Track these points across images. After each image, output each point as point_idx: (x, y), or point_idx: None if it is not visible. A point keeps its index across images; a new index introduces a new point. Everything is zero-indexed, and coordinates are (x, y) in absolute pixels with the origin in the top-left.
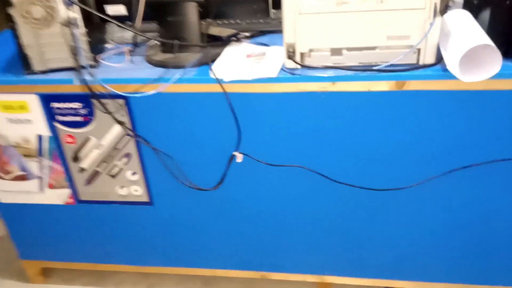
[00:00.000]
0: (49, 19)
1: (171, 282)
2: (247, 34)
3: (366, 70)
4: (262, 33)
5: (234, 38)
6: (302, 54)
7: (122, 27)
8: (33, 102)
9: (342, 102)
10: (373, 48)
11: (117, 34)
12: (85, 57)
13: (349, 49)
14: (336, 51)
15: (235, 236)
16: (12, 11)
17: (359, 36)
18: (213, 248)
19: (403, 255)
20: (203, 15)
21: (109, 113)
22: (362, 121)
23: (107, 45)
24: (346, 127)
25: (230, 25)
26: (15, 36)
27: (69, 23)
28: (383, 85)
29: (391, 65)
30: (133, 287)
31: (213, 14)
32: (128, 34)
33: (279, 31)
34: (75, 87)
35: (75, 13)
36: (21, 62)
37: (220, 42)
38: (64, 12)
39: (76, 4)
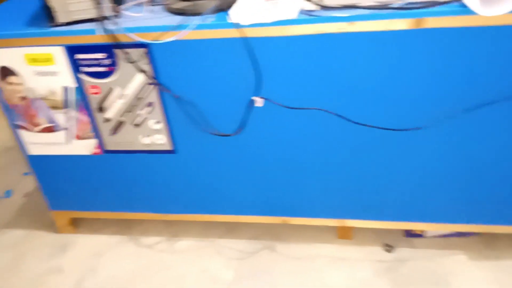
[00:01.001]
0: None
1: (195, 230)
2: None
3: (383, 9)
4: None
5: None
6: None
7: None
8: (58, 54)
9: (360, 42)
10: None
11: None
12: (107, 7)
13: None
14: None
15: (256, 182)
16: None
17: None
18: (235, 194)
19: (421, 196)
20: None
21: (132, 62)
22: (380, 61)
23: None
24: (364, 68)
25: None
26: None
27: None
28: (401, 23)
29: (409, 3)
30: (158, 235)
31: None
32: None
33: None
34: (98, 38)
35: None
36: (46, 15)
37: None
38: None
39: None
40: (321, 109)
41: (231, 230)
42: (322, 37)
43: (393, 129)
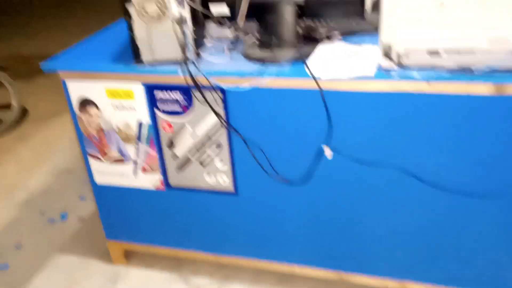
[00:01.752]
0: (162, 16)
1: (246, 275)
2: (339, 33)
3: (464, 72)
4: (354, 33)
5: (327, 37)
6: (398, 54)
7: (225, 25)
8: (139, 91)
9: (438, 103)
10: (473, 50)
11: (216, 30)
12: (190, 51)
13: (447, 51)
14: (433, 52)
15: (315, 232)
16: (129, 7)
17: (458, 38)
18: (293, 241)
19: (494, 265)
20: (299, 15)
21: (208, 103)
22: (458, 124)
23: (207, 40)
24: (440, 129)
25: (324, 25)
26: (130, 29)
27: (179, 20)
28: (482, 88)
29: (491, 68)
30: (209, 276)
31: (308, 14)
32: (227, 31)
33: (371, 32)
34: (178, 78)
35: (185, 11)
36: (132, 53)
37: (315, 40)
38: (176, 10)
39: (187, 3)
40: (392, 167)
41: (283, 280)
42: (399, 95)
43: (466, 195)
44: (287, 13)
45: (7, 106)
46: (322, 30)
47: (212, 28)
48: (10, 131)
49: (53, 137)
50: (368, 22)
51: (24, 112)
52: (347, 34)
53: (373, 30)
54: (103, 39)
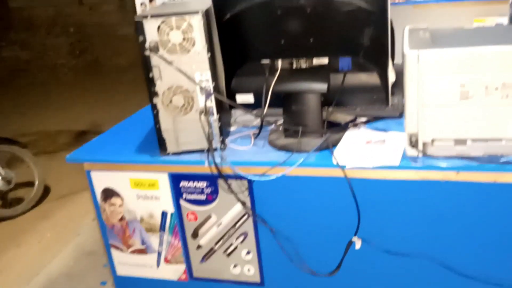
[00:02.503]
0: (188, 107)
1: None
2: (364, 119)
3: (492, 161)
4: (378, 118)
5: (352, 124)
6: (424, 143)
7: (250, 113)
8: (163, 181)
9: (465, 191)
10: (499, 139)
11: (241, 118)
12: (216, 140)
13: (473, 140)
14: (460, 141)
15: None
16: (156, 100)
17: (484, 127)
18: None
19: None
20: (324, 103)
21: (233, 193)
22: (487, 212)
23: (232, 126)
24: (469, 217)
25: (349, 112)
26: (156, 122)
27: (205, 111)
28: (510, 177)
29: None
30: None
31: (333, 103)
32: (251, 118)
33: (395, 117)
34: (203, 168)
35: (212, 103)
36: (157, 144)
37: (340, 127)
38: (202, 101)
39: (215, 95)
40: (420, 256)
41: None
42: (425, 183)
43: (498, 283)
44: (312, 101)
45: (29, 184)
46: (346, 117)
47: (238, 115)
48: (32, 209)
49: (75, 215)
50: (393, 107)
51: (46, 190)
52: (372, 120)
53: (397, 115)
54: (128, 128)
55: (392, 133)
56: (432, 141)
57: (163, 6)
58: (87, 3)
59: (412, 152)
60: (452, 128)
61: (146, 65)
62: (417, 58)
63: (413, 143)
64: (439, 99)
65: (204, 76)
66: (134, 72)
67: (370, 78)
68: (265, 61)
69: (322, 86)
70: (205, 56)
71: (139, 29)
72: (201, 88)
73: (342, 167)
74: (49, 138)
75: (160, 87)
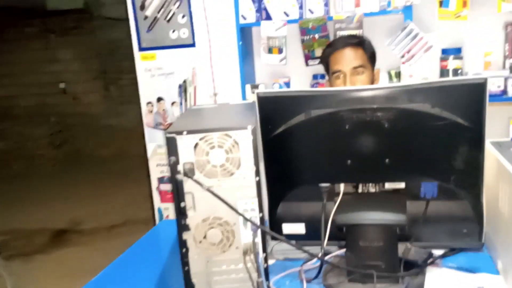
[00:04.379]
0: (227, 244)
1: None
2: (439, 252)
3: None
4: (454, 250)
5: (429, 261)
6: None
7: (307, 253)
8: None
9: None
10: None
11: (277, 246)
12: (262, 285)
13: None
14: None
15: None
16: (187, 236)
17: None
18: None
19: None
20: (400, 238)
21: None
22: None
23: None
24: None
25: (423, 247)
26: (184, 263)
27: (252, 250)
28: None
29: None
30: None
31: (412, 238)
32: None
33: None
34: None
35: (257, 238)
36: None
37: (417, 268)
38: (247, 237)
39: (263, 229)
40: None
41: None
42: None
43: None
44: (386, 236)
45: None
46: (421, 252)
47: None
48: None
49: None
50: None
51: None
52: (449, 253)
53: (479, 246)
54: (132, 265)
55: (483, 276)
56: None
57: (194, 116)
58: (71, 93)
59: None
60: None
61: (178, 193)
62: None
63: None
64: None
65: (249, 205)
66: (119, 164)
67: (459, 207)
68: (323, 184)
69: (399, 218)
70: (252, 180)
71: (171, 147)
72: (246, 220)
73: None
74: (24, 237)
75: (193, 219)
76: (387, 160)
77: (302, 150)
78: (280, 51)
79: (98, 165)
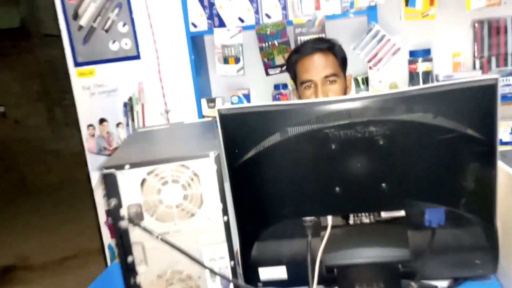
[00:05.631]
0: None
1: None
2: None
3: None
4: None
5: None
6: None
7: None
8: None
9: None
10: None
11: None
12: None
13: None
14: None
15: None
16: None
17: None
18: None
19: None
20: (403, 276)
21: None
22: None
23: None
24: None
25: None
26: None
27: None
28: None
29: None
30: None
31: (418, 274)
32: None
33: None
34: None
35: None
36: None
37: None
38: None
39: (235, 284)
40: None
41: None
42: None
43: None
44: (386, 276)
45: None
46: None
47: None
48: None
49: None
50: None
51: None
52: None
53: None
54: None
55: None
56: None
57: (140, 142)
58: (12, 117)
59: None
60: None
61: (122, 245)
62: None
63: None
64: None
65: (217, 253)
66: (67, 191)
67: (470, 235)
68: (307, 218)
69: (401, 253)
70: (219, 221)
71: (110, 187)
72: (213, 273)
73: None
74: None
75: (145, 275)
76: (383, 185)
77: (279, 177)
78: (236, 60)
79: (45, 193)
